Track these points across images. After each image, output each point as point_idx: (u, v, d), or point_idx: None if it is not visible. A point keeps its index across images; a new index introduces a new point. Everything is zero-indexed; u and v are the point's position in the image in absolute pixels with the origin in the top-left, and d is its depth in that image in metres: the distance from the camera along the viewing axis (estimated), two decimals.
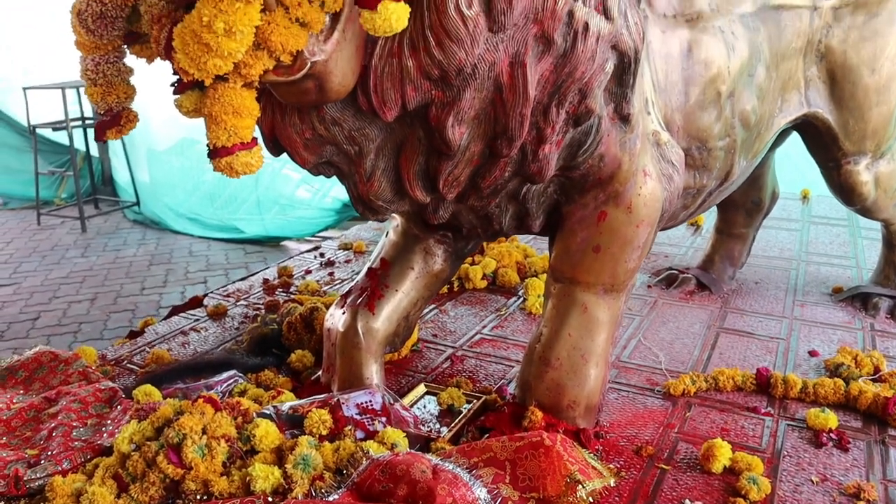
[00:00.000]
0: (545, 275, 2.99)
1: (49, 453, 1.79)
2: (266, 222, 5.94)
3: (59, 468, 1.72)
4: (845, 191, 2.57)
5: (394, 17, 1.27)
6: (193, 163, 6.36)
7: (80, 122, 6.84)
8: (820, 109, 2.39)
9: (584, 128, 1.65)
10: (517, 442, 1.67)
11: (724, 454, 1.78)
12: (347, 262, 3.51)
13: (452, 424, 1.95)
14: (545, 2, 1.43)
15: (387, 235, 2.18)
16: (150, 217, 6.65)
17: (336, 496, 1.53)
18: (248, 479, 1.55)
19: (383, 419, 1.85)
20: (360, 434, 1.77)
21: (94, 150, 7.29)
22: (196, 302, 2.99)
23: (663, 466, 1.82)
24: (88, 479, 1.62)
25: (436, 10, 1.38)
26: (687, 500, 1.68)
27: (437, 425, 1.99)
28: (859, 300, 2.82)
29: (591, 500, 1.63)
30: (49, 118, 6.64)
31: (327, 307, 2.51)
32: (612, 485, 1.72)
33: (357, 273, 3.31)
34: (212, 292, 3.13)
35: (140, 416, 1.80)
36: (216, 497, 1.55)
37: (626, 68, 1.63)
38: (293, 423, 1.78)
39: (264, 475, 1.53)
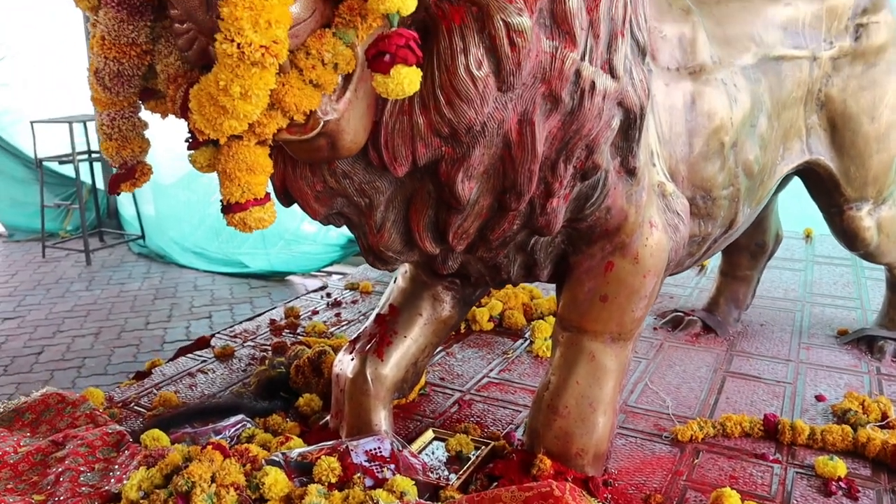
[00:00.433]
0: (551, 317, 3.02)
1: (56, 499, 1.79)
2: (271, 257, 5.96)
3: None
4: (848, 236, 2.60)
5: (406, 81, 1.30)
6: (199, 196, 6.41)
7: (86, 156, 6.92)
8: (821, 156, 2.43)
9: (591, 182, 1.68)
10: (527, 492, 1.67)
11: (733, 503, 1.78)
12: (354, 302, 3.53)
13: (461, 472, 1.95)
14: (553, 62, 1.46)
15: (395, 281, 2.20)
16: (155, 250, 6.68)
17: None
18: None
19: (392, 466, 1.85)
20: (369, 482, 1.76)
21: (100, 183, 7.35)
22: (203, 342, 3.00)
23: None
24: None
25: (446, 71, 1.41)
26: None
27: (446, 472, 1.99)
28: (864, 343, 2.83)
29: None
30: (56, 151, 6.71)
31: (335, 350, 2.52)
32: None
33: (363, 314, 3.33)
34: (219, 332, 3.14)
35: (149, 463, 1.80)
36: None
37: (631, 124, 1.66)
38: (302, 471, 1.78)
39: None
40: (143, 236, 6.87)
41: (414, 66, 1.30)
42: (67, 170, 6.95)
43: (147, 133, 1.67)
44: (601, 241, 1.85)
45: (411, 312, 2.11)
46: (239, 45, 1.22)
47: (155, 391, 2.54)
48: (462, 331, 3.05)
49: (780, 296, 3.48)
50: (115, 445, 2.03)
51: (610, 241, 1.84)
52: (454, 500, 1.72)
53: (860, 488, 1.92)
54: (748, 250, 3.01)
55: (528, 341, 2.95)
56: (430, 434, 2.17)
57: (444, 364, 2.74)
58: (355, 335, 2.20)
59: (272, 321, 3.24)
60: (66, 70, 7.00)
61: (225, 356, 2.84)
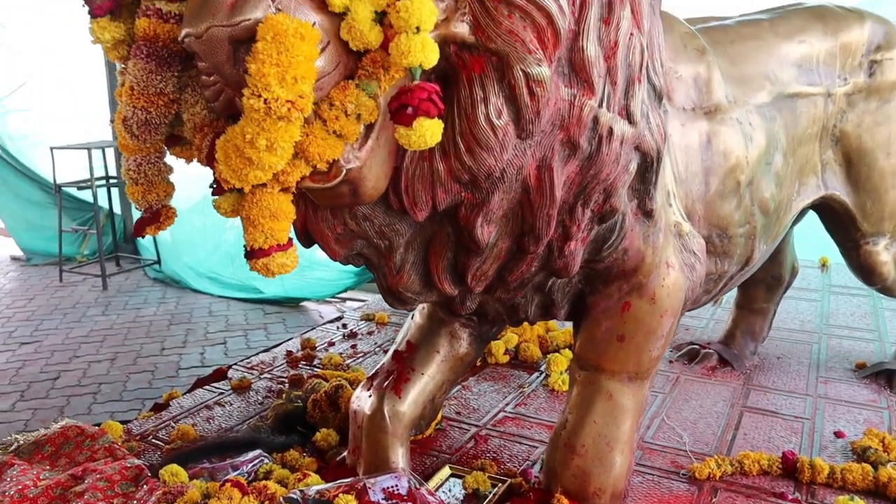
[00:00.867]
0: (567, 350, 3.02)
1: None
2: (285, 283, 5.97)
3: None
4: (865, 271, 2.59)
5: (428, 133, 1.32)
6: (214, 221, 6.44)
7: (104, 182, 7.00)
8: (837, 192, 2.43)
9: (608, 224, 1.70)
10: None
11: None
12: (370, 333, 3.54)
13: None
14: (571, 109, 1.48)
15: (412, 318, 2.22)
16: (171, 275, 6.72)
17: None
18: None
19: None
20: None
21: (117, 208, 7.43)
22: (220, 374, 3.02)
23: None
24: None
25: (467, 119, 1.43)
26: None
27: None
28: (883, 377, 2.81)
29: None
30: (74, 176, 6.80)
31: (352, 384, 2.54)
32: None
33: (379, 345, 3.34)
34: (236, 364, 3.16)
35: (168, 500, 1.82)
36: None
37: (648, 167, 1.68)
38: None
39: None
40: (158, 261, 6.92)
41: (436, 119, 1.32)
42: (85, 195, 7.02)
43: (171, 177, 1.71)
44: (618, 282, 1.86)
45: (429, 349, 2.13)
46: (266, 100, 1.24)
47: (173, 424, 2.56)
48: (478, 364, 3.05)
49: (796, 327, 3.47)
50: (134, 480, 2.04)
51: (627, 281, 1.85)
52: None
53: None
54: (764, 283, 3.00)
55: (543, 374, 2.95)
56: (447, 471, 2.17)
57: (460, 398, 2.75)
58: (372, 371, 2.22)
59: (289, 352, 3.25)
60: (85, 97, 7.12)
61: (242, 388, 2.86)
